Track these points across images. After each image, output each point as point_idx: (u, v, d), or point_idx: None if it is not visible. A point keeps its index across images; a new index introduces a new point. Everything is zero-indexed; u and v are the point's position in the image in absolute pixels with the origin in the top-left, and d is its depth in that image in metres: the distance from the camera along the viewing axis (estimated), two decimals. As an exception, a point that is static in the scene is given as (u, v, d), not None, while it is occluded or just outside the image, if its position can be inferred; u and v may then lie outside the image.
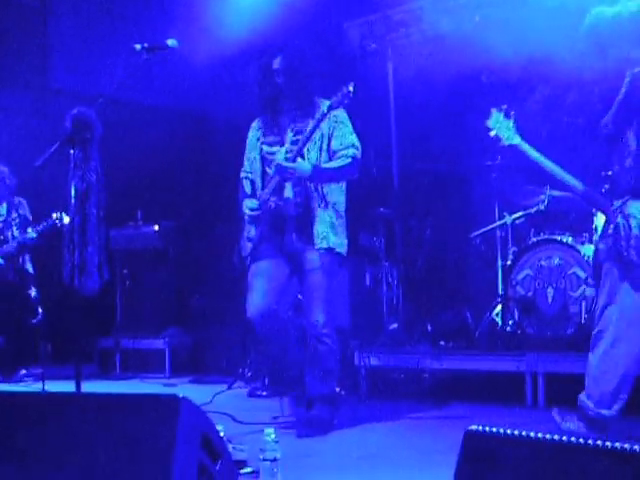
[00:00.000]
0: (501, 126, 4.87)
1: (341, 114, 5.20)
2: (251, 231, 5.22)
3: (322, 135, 5.15)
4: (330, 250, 5.13)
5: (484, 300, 7.02)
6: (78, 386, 4.24)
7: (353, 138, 5.22)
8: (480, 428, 2.34)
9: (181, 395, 3.13)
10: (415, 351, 6.64)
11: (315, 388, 5.13)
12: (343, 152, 5.16)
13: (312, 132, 5.00)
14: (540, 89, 7.02)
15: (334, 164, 5.17)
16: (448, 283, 7.94)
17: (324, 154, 5.17)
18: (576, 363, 5.64)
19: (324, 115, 4.96)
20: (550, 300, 6.10)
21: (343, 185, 5.32)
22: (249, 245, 5.22)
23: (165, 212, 9.07)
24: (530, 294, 6.20)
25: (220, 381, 7.37)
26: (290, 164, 5.00)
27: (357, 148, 5.21)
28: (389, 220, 7.81)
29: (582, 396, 4.45)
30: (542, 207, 6.51)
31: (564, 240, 6.15)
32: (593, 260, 5.04)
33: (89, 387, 4.06)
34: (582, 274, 5.98)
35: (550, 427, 5.04)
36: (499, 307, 6.59)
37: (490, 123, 4.93)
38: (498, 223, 6.92)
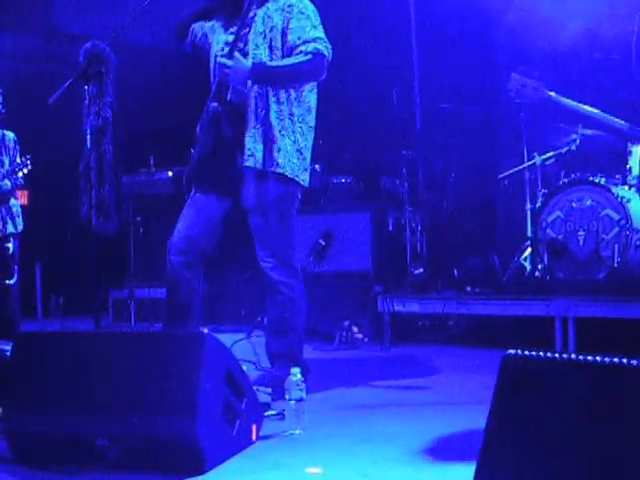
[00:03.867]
0: (523, 88, 4.71)
1: (300, 3, 4.25)
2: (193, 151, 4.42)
3: (273, 28, 4.21)
4: (280, 176, 4.24)
5: (512, 244, 6.85)
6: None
7: (316, 32, 4.19)
8: (517, 352, 2.26)
9: (205, 331, 3.07)
10: (440, 297, 6.47)
11: (271, 344, 4.48)
12: (301, 48, 4.15)
13: (247, 19, 4.20)
14: (571, 24, 6.78)
15: (285, 61, 4.19)
16: (475, 227, 7.76)
17: (277, 52, 4.21)
18: (608, 308, 5.52)
19: (250, 4, 4.20)
20: (581, 243, 5.91)
21: (307, 92, 4.34)
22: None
23: (178, 158, 8.91)
24: (561, 237, 6.00)
25: (238, 330, 7.25)
26: (224, 59, 4.18)
27: (321, 42, 4.17)
28: (412, 163, 7.61)
29: None
30: (573, 147, 6.32)
31: (596, 181, 5.93)
32: None
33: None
34: (615, 216, 5.76)
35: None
36: (528, 251, 6.41)
37: (510, 86, 4.76)
38: (527, 164, 6.72)
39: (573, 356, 2.18)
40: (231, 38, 4.31)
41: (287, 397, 3.53)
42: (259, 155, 4.18)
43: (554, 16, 6.96)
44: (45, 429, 3.06)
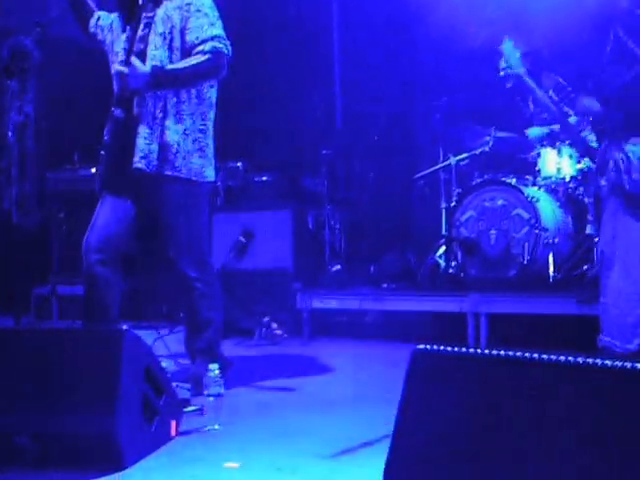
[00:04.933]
0: (510, 54, 4.87)
1: (198, 1, 4.20)
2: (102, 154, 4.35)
3: (173, 28, 4.16)
4: (184, 180, 4.21)
5: (427, 242, 7.00)
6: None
7: (214, 30, 4.17)
8: (427, 347, 2.35)
9: (124, 328, 3.11)
10: (357, 293, 6.60)
11: (190, 340, 4.47)
12: (200, 47, 4.13)
13: (145, 19, 4.15)
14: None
15: (184, 63, 4.15)
16: (391, 225, 7.89)
17: (176, 53, 4.18)
18: (518, 304, 5.73)
19: (142, 9, 4.16)
20: (493, 241, 6.08)
21: (207, 88, 4.30)
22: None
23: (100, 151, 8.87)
24: (473, 235, 6.17)
25: (160, 326, 7.26)
26: (121, 67, 4.10)
27: (219, 40, 4.16)
28: (332, 162, 7.71)
29: (604, 337, 4.34)
30: (487, 148, 6.52)
31: (508, 181, 6.13)
32: (594, 197, 5.04)
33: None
34: (526, 215, 5.96)
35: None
36: (442, 248, 6.58)
37: (502, 48, 4.92)
38: (442, 164, 6.89)
39: (479, 351, 2.29)
40: (131, 36, 4.27)
41: (206, 393, 3.60)
42: (153, 157, 4.13)
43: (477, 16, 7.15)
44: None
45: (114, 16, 4.47)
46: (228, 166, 7.75)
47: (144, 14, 4.21)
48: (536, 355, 2.14)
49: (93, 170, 8.62)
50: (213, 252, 7.02)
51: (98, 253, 4.29)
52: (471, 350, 2.31)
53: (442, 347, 2.29)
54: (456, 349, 2.29)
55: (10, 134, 4.11)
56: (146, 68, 4.07)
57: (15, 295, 4.53)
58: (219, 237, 7.15)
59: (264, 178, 7.76)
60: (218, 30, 4.20)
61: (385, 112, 8.03)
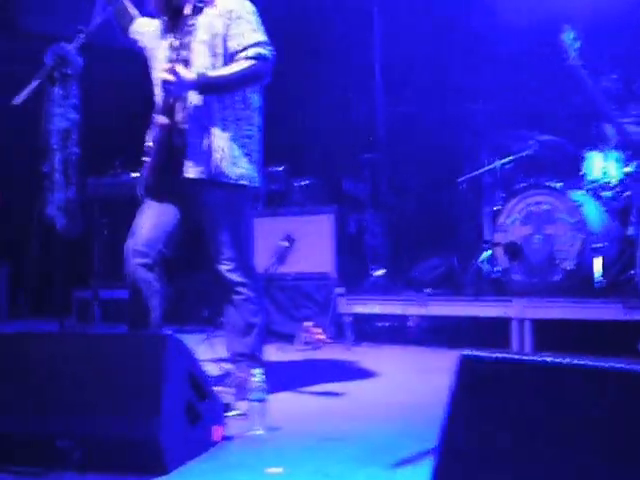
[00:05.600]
0: (571, 44, 4.88)
1: (240, 7, 4.21)
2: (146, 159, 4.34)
3: (216, 36, 4.16)
4: (231, 185, 4.21)
5: (471, 246, 6.95)
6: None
7: (257, 36, 4.16)
8: (474, 353, 2.31)
9: (167, 333, 3.11)
10: (400, 298, 6.56)
11: (232, 345, 4.44)
12: (243, 54, 4.13)
13: (188, 26, 4.14)
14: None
15: (228, 69, 4.14)
16: (434, 229, 7.83)
17: (220, 59, 4.17)
18: (563, 309, 5.65)
19: (188, 18, 4.13)
20: (538, 246, 6.01)
21: (251, 94, 4.28)
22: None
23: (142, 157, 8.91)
24: (518, 240, 6.11)
25: (201, 330, 7.28)
26: (166, 75, 4.09)
27: (263, 46, 4.14)
28: (374, 166, 7.69)
29: None
30: (531, 152, 6.45)
31: (553, 185, 6.06)
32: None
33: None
34: (571, 219, 5.89)
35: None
36: (486, 253, 6.52)
37: (564, 37, 4.92)
38: (486, 168, 6.83)
39: (527, 357, 2.24)
40: (174, 43, 4.26)
41: (249, 397, 3.58)
42: (202, 165, 4.15)
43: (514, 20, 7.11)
44: (8, 430, 3.06)
45: (155, 22, 4.48)
46: (270, 170, 7.76)
47: (186, 21, 4.19)
48: (583, 362, 2.09)
49: (134, 175, 8.70)
50: (255, 256, 7.04)
51: (140, 257, 4.30)
52: (518, 356, 2.26)
53: (489, 353, 2.25)
54: (503, 355, 2.25)
55: (54, 140, 4.11)
56: (191, 75, 4.06)
57: (58, 299, 4.54)
58: (260, 241, 7.13)
59: (306, 182, 7.76)
60: (261, 36, 4.19)
61: (428, 115, 7.98)
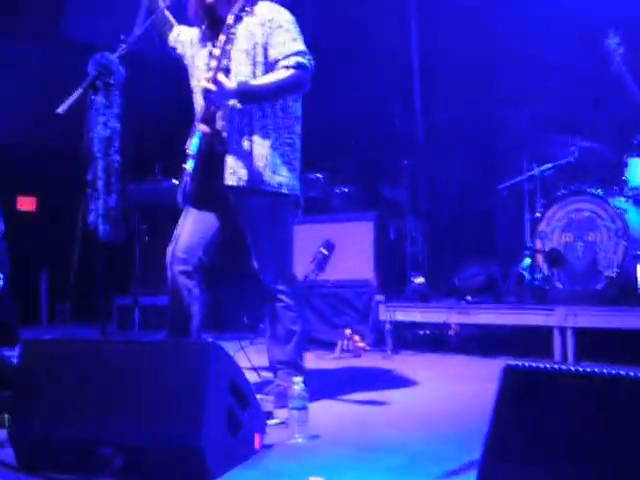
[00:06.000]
0: (615, 49, 4.88)
1: (280, 16, 4.23)
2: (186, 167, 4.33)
3: (256, 45, 4.19)
4: (272, 193, 4.22)
5: (512, 253, 6.91)
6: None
7: (297, 45, 4.17)
8: (518, 363, 2.31)
9: (210, 341, 3.11)
10: (441, 305, 6.53)
11: (273, 353, 4.47)
12: (283, 62, 4.14)
13: (228, 34, 4.11)
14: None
15: (268, 77, 4.15)
16: (475, 236, 7.82)
17: (259, 68, 4.19)
18: (606, 318, 5.59)
19: (230, 27, 4.09)
20: (580, 253, 5.98)
21: (292, 102, 4.32)
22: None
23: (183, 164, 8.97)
24: (559, 247, 6.07)
25: (241, 337, 7.29)
26: (207, 84, 4.08)
27: (302, 55, 4.15)
28: (413, 172, 7.68)
29: None
30: (572, 158, 6.40)
31: (594, 192, 6.01)
32: None
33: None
34: (613, 227, 5.84)
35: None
36: (527, 261, 6.48)
37: (608, 42, 4.91)
38: (526, 175, 6.80)
39: (572, 368, 2.22)
40: (215, 51, 4.24)
41: (290, 405, 3.58)
42: (243, 173, 4.16)
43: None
44: (51, 437, 3.08)
45: (194, 31, 4.51)
46: (309, 177, 7.78)
47: (226, 29, 4.17)
48: (627, 372, 2.07)
49: (174, 182, 8.75)
50: (294, 264, 7.04)
51: (181, 264, 4.34)
52: (562, 367, 2.24)
53: (532, 364, 2.23)
54: (546, 365, 2.23)
55: (96, 148, 4.14)
56: (232, 84, 4.07)
57: (99, 305, 4.57)
58: (300, 248, 7.12)
59: (345, 189, 7.76)
60: (301, 45, 4.20)
61: (467, 121, 7.95)
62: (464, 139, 7.96)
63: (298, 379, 3.60)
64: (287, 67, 4.13)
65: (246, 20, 4.20)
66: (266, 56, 4.19)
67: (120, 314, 9.28)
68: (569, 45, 7.12)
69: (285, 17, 4.25)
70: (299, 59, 4.14)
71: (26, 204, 10.28)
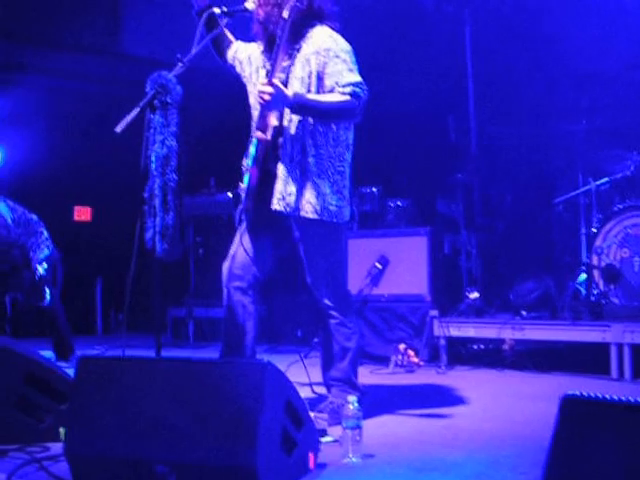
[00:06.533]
0: None
1: (336, 45, 4.22)
2: (242, 184, 4.41)
3: (310, 73, 4.20)
4: (323, 222, 4.24)
5: (567, 268, 6.86)
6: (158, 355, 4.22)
7: (353, 76, 4.16)
8: (578, 393, 2.26)
9: (266, 361, 3.13)
10: (496, 321, 6.49)
11: (327, 370, 4.49)
12: (339, 90, 4.14)
13: (278, 50, 4.15)
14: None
15: (324, 97, 4.17)
16: (530, 251, 7.76)
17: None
18: (664, 334, 5.53)
19: (285, 23, 4.11)
20: (636, 269, 5.92)
21: (343, 131, 4.31)
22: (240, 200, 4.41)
23: (239, 180, 9.04)
24: (615, 263, 6.01)
25: (295, 350, 7.31)
26: (264, 87, 4.07)
27: (358, 86, 4.14)
28: (468, 186, 7.65)
29: None
30: (628, 172, 6.34)
31: (651, 207, 5.95)
32: None
33: (164, 356, 4.09)
34: (671, 242, 5.78)
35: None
36: (583, 276, 6.42)
37: None
38: (582, 189, 6.74)
39: (633, 399, 2.18)
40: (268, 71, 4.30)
41: (344, 425, 3.58)
42: (291, 199, 4.18)
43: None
44: (106, 453, 3.11)
45: (253, 47, 4.55)
46: (363, 191, 7.79)
47: (288, 48, 4.23)
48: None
49: (229, 195, 8.83)
50: (348, 278, 7.05)
51: (237, 281, 4.40)
52: (623, 398, 2.20)
53: (592, 394, 2.20)
54: (607, 397, 2.19)
55: (153, 167, 4.19)
56: (289, 91, 4.10)
57: (154, 317, 4.62)
58: (354, 263, 7.14)
59: (399, 203, 7.76)
60: (357, 77, 4.19)
61: (521, 135, 7.91)
62: (519, 153, 7.93)
63: (352, 398, 3.60)
64: (343, 93, 4.14)
65: (303, 47, 4.25)
66: (320, 85, 4.20)
67: (174, 325, 9.39)
68: (625, 58, 7.05)
69: (341, 46, 4.24)
70: (356, 89, 4.14)
71: (82, 214, 10.44)
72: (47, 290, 7.08)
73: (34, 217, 7.24)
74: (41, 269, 7.10)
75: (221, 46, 4.66)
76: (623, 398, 2.18)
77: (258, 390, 3.01)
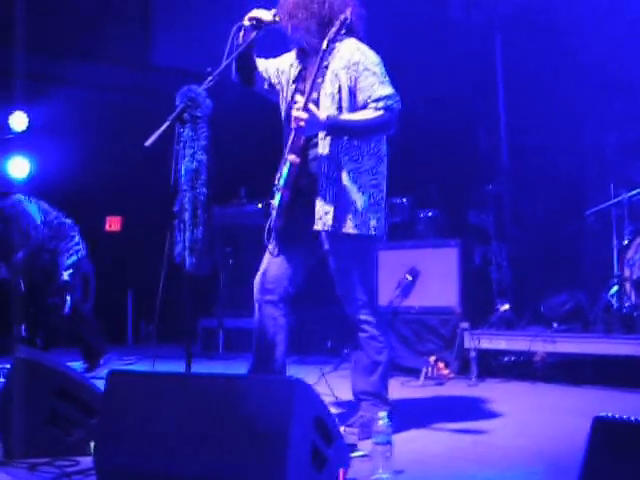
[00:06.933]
0: None
1: (365, 59, 4.22)
2: (273, 202, 4.42)
3: (341, 89, 4.20)
4: (359, 237, 4.25)
5: (599, 280, 6.80)
6: (188, 367, 4.23)
7: (385, 89, 4.18)
8: (610, 415, 2.24)
9: (295, 378, 3.12)
10: (527, 333, 6.45)
11: (357, 383, 4.45)
12: (372, 105, 4.15)
13: (316, 75, 4.13)
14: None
15: (358, 115, 4.18)
16: (561, 263, 7.72)
17: (345, 112, 4.20)
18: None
19: (325, 53, 4.10)
20: (669, 281, 5.86)
21: (376, 144, 4.32)
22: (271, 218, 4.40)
23: (269, 190, 9.06)
24: (647, 275, 5.96)
25: (325, 362, 7.30)
26: (299, 112, 4.07)
27: (391, 98, 4.17)
28: (498, 197, 7.63)
29: None
30: (661, 184, 6.30)
31: (683, 219, 5.90)
32: None
33: (194, 367, 4.10)
34: None
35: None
36: (615, 288, 6.37)
37: None
38: (614, 200, 6.68)
39: None
40: (304, 84, 4.32)
41: (374, 440, 3.56)
42: (329, 217, 4.19)
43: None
44: (135, 467, 3.12)
45: (281, 60, 4.56)
46: (394, 202, 7.78)
47: (319, 61, 4.18)
48: None
49: (259, 205, 8.85)
50: (379, 289, 7.04)
51: (268, 294, 4.42)
52: None
53: (624, 417, 2.17)
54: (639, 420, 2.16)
55: (183, 180, 4.20)
56: (322, 115, 4.11)
57: (185, 328, 4.64)
58: (384, 274, 7.17)
59: (430, 214, 7.74)
60: (389, 89, 4.20)
61: (553, 146, 7.87)
62: (550, 164, 7.88)
63: (382, 413, 3.58)
64: (377, 108, 4.15)
65: (331, 62, 4.25)
66: (352, 101, 4.21)
67: (204, 336, 9.42)
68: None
69: (371, 59, 4.25)
70: (389, 102, 4.16)
71: (113, 224, 10.50)
72: (68, 298, 7.11)
73: (68, 221, 7.29)
74: (66, 275, 7.13)
75: (248, 68, 4.58)
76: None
77: (287, 407, 3.00)
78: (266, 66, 4.60)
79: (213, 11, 9.27)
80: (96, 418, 3.59)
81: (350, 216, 4.21)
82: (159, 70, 9.53)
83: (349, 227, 4.22)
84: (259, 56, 4.59)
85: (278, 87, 4.55)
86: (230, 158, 7.67)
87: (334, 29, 4.09)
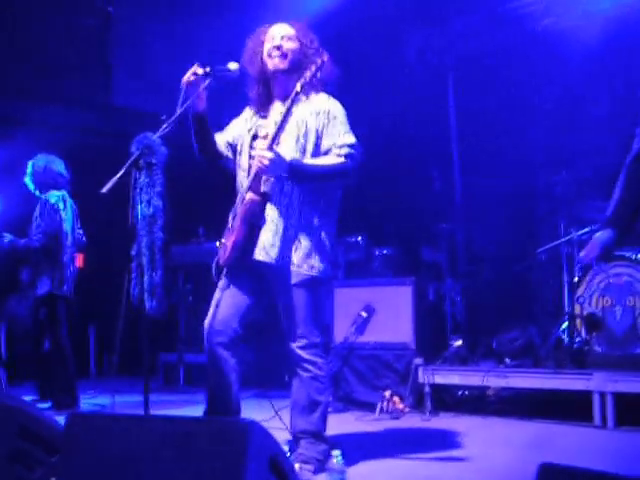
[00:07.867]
0: None
1: (335, 108, 4.38)
2: (224, 240, 4.53)
3: (308, 133, 4.34)
4: (304, 276, 4.29)
5: (550, 317, 6.95)
6: (146, 403, 4.28)
7: (350, 138, 4.33)
8: (555, 463, 2.28)
9: (249, 419, 3.19)
10: (480, 369, 6.57)
11: (297, 422, 4.42)
12: (335, 151, 4.28)
13: (283, 120, 4.21)
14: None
15: (319, 160, 4.30)
16: (513, 299, 7.87)
17: (307, 157, 4.32)
18: (646, 382, 5.60)
19: (293, 100, 4.20)
20: (618, 318, 6.02)
21: (333, 192, 4.47)
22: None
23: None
24: (598, 311, 6.11)
25: (283, 396, 7.34)
26: (264, 152, 4.14)
27: (354, 148, 4.30)
28: (452, 235, 7.78)
29: None
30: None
31: (632, 257, 6.05)
32: None
33: (154, 400, 4.10)
34: (652, 291, 5.88)
35: (620, 449, 5.01)
36: (566, 324, 6.52)
37: None
38: (564, 239, 6.85)
39: (608, 472, 2.17)
40: (266, 125, 4.43)
41: (329, 479, 3.64)
42: (274, 251, 4.26)
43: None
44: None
45: (237, 123, 4.69)
46: (349, 240, 7.90)
47: (286, 106, 4.27)
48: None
49: (217, 244, 8.92)
50: (334, 326, 7.14)
51: (218, 336, 4.44)
52: (600, 472, 2.21)
53: (569, 465, 2.21)
54: (584, 469, 2.19)
55: (140, 225, 4.28)
56: (287, 158, 4.20)
57: (144, 362, 4.69)
58: (340, 311, 7.27)
59: (385, 251, 7.86)
60: (353, 138, 4.33)
61: (504, 184, 8.04)
62: (502, 202, 8.04)
63: (337, 452, 3.67)
64: (339, 155, 4.28)
65: (299, 106, 4.34)
66: (317, 145, 4.33)
67: (165, 370, 9.48)
68: (605, 107, 7.20)
69: (339, 109, 4.40)
70: (351, 151, 4.29)
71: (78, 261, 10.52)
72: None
73: None
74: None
75: (208, 143, 4.65)
76: (601, 471, 2.20)
77: (241, 449, 3.04)
78: (226, 137, 4.69)
79: (172, 53, 9.40)
80: (57, 457, 3.62)
81: (295, 254, 4.28)
82: (119, 110, 9.61)
83: (293, 265, 4.28)
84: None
85: (239, 135, 4.64)
86: (188, 198, 7.76)
87: (309, 73, 4.20)
